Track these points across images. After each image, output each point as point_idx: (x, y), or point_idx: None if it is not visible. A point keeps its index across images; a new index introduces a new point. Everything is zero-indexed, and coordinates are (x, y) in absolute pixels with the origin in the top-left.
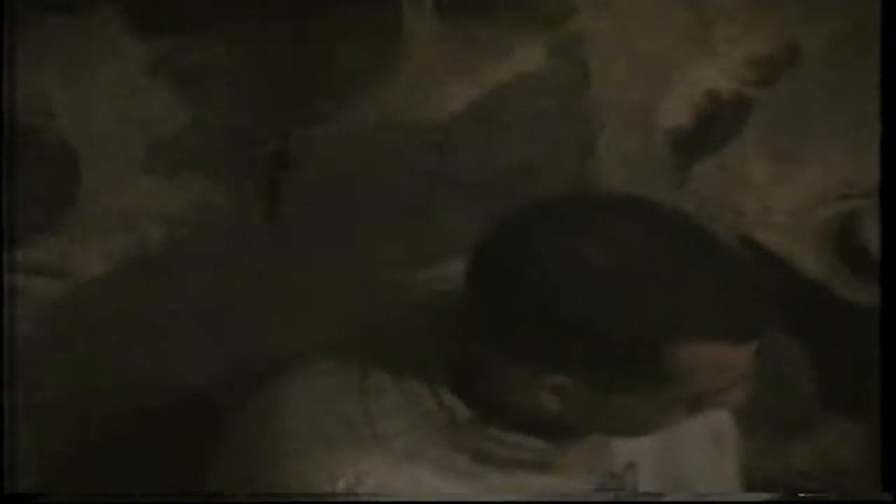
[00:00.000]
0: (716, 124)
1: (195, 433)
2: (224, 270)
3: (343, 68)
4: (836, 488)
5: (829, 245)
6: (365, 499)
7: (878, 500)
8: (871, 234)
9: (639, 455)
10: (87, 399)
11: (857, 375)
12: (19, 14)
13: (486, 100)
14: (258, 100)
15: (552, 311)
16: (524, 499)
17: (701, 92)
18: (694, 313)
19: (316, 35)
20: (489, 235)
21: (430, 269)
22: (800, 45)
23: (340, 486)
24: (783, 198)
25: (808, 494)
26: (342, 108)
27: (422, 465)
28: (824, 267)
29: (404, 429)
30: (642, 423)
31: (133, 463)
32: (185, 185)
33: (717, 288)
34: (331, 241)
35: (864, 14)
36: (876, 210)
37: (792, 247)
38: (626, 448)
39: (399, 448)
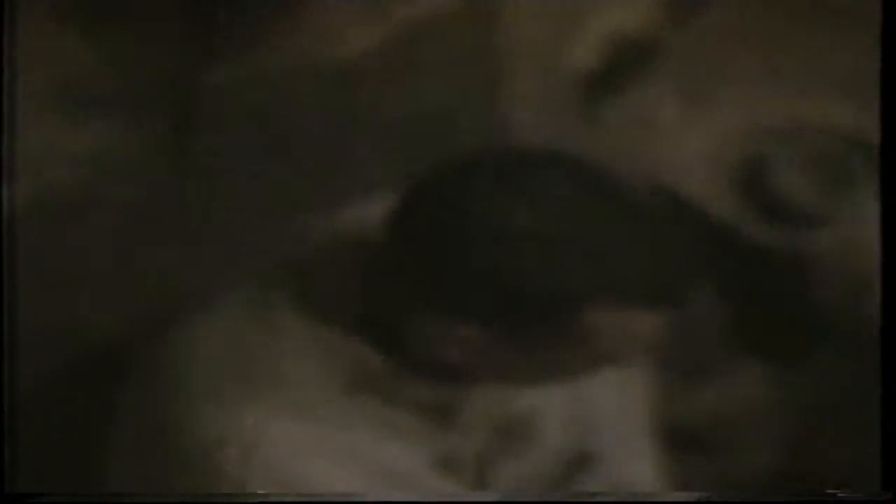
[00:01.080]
0: (626, 66)
1: (103, 377)
2: (131, 214)
3: (250, 7)
4: (744, 429)
5: (740, 188)
6: (358, 498)
7: (878, 500)
8: (781, 178)
9: (543, 398)
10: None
11: (766, 318)
12: None
13: (397, 39)
14: (166, 37)
15: (469, 265)
16: (429, 436)
17: (611, 33)
18: (610, 276)
19: None
20: (414, 187)
21: (342, 211)
22: None
23: (248, 423)
24: (693, 140)
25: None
26: (251, 47)
27: (328, 410)
28: (734, 210)
29: (310, 370)
30: (540, 377)
31: (39, 410)
32: (92, 127)
33: (637, 252)
34: (240, 182)
35: None
36: (787, 153)
37: (702, 189)
38: (532, 392)
39: (304, 388)
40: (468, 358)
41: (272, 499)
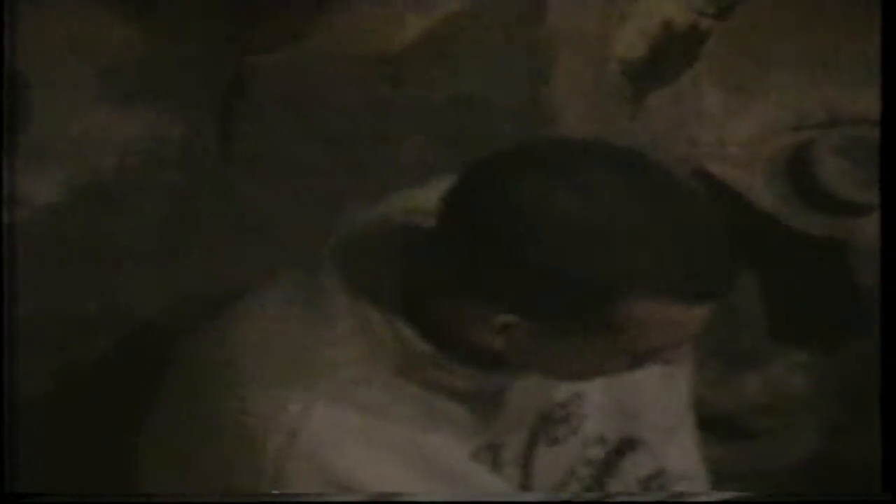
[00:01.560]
0: (670, 55)
1: (146, 362)
2: (176, 200)
3: (289, 12)
4: (786, 419)
5: (782, 176)
6: (359, 497)
7: (878, 500)
8: (823, 166)
9: (586, 386)
10: (38, 327)
11: (808, 306)
12: None
13: (440, 30)
14: (212, 28)
15: (517, 253)
16: (470, 424)
17: (656, 22)
18: (655, 270)
19: None
20: (466, 174)
21: (386, 199)
22: None
23: (292, 410)
24: (737, 129)
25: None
26: (296, 37)
27: (371, 392)
28: (776, 198)
29: (355, 356)
30: (582, 370)
31: (82, 394)
32: (137, 114)
33: (683, 247)
34: (284, 170)
35: None
36: (829, 141)
37: (745, 178)
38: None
39: (349, 375)
40: (511, 347)
41: (280, 499)
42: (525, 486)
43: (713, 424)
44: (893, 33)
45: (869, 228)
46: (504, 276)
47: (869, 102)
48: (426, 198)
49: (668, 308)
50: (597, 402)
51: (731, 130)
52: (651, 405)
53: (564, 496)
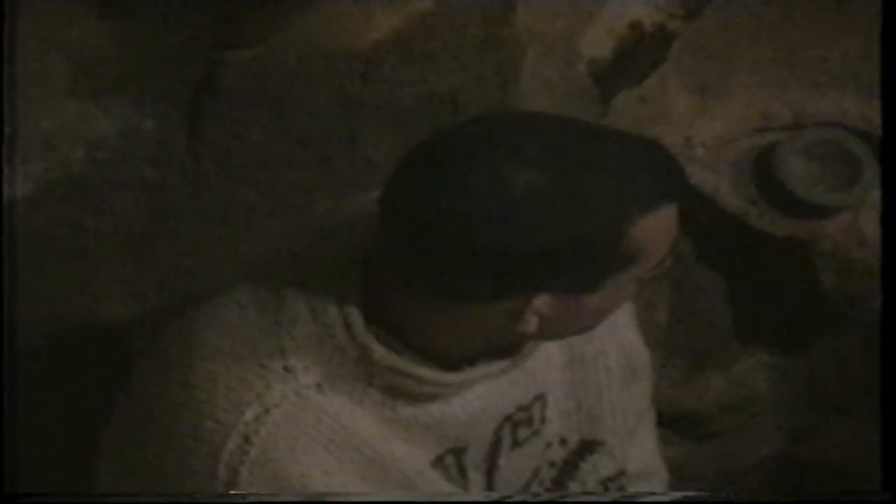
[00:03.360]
0: (638, 56)
1: (114, 355)
2: (147, 194)
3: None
4: (750, 419)
5: (747, 178)
6: (356, 499)
7: (879, 500)
8: (788, 167)
9: (548, 388)
10: (9, 316)
11: (771, 307)
12: None
13: (410, 28)
14: (183, 24)
15: (470, 241)
16: (432, 428)
17: (624, 23)
18: (633, 192)
19: None
20: (402, 167)
21: (353, 198)
22: None
23: (248, 415)
24: (703, 130)
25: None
26: (267, 34)
27: (331, 397)
28: (742, 199)
29: (315, 362)
30: (602, 315)
31: (49, 386)
32: (109, 109)
33: (642, 165)
34: (254, 166)
35: None
36: (794, 143)
37: (711, 179)
38: (535, 381)
39: (308, 380)
40: (544, 322)
41: (266, 499)
42: (489, 489)
43: (677, 423)
44: (893, 35)
45: (832, 230)
46: (463, 264)
47: (833, 105)
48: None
49: (659, 215)
50: (559, 405)
51: (697, 132)
52: (611, 408)
53: (524, 497)
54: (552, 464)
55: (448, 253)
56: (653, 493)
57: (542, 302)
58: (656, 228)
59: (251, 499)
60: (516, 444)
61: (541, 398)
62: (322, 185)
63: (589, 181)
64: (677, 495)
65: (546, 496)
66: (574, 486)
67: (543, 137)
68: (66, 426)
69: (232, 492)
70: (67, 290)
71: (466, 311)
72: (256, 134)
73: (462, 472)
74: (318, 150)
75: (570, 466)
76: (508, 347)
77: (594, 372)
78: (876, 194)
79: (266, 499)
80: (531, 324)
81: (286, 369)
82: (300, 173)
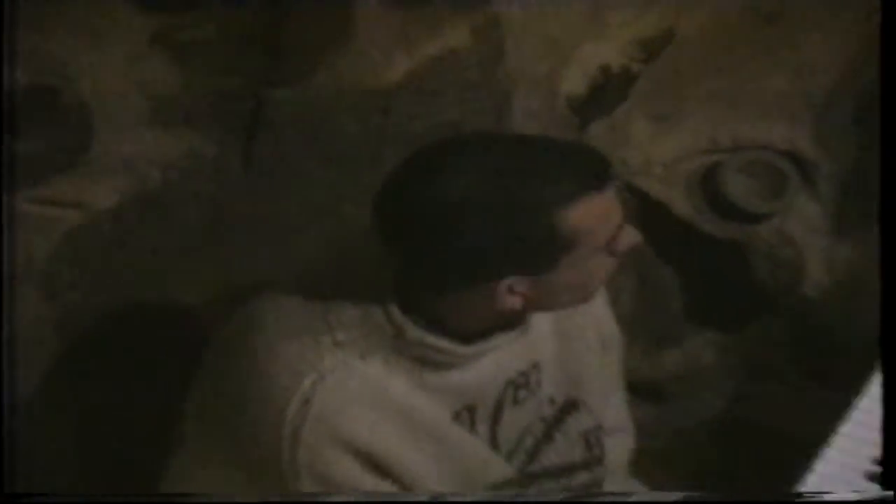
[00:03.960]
0: (607, 92)
1: (186, 343)
2: (209, 206)
3: (305, 43)
4: (698, 386)
5: (696, 191)
6: (363, 498)
7: (879, 500)
8: (729, 182)
9: (541, 358)
10: (95, 307)
11: (715, 295)
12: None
13: (421, 70)
14: (237, 66)
15: (443, 243)
16: (451, 391)
17: (595, 66)
18: (556, 189)
19: (284, 14)
20: (400, 169)
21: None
22: (676, 29)
23: (306, 382)
24: (659, 152)
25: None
26: (305, 75)
27: (372, 366)
28: (691, 208)
29: (358, 337)
30: (584, 288)
31: (131, 368)
32: (177, 137)
33: (571, 161)
34: (295, 181)
35: (728, 5)
36: (733, 163)
37: (666, 191)
38: (531, 352)
39: (354, 352)
40: (528, 302)
41: (271, 498)
42: (493, 439)
43: (640, 389)
44: (893, 42)
45: (764, 233)
46: (463, 253)
47: (765, 132)
48: None
49: (589, 202)
50: (549, 371)
51: (655, 153)
52: (590, 374)
53: (527, 498)
54: (543, 419)
55: (428, 254)
56: (650, 493)
57: (511, 283)
58: (588, 214)
59: (247, 499)
60: (516, 402)
61: (536, 366)
62: (349, 197)
63: (519, 185)
64: (678, 495)
65: (547, 496)
66: (559, 438)
67: (482, 153)
68: (145, 398)
69: (294, 448)
70: (145, 283)
71: (458, 297)
72: (296, 156)
73: (473, 424)
74: (347, 169)
75: (557, 421)
76: (512, 322)
77: (577, 345)
78: (799, 203)
79: (283, 499)
80: (511, 301)
81: (335, 344)
82: (332, 187)
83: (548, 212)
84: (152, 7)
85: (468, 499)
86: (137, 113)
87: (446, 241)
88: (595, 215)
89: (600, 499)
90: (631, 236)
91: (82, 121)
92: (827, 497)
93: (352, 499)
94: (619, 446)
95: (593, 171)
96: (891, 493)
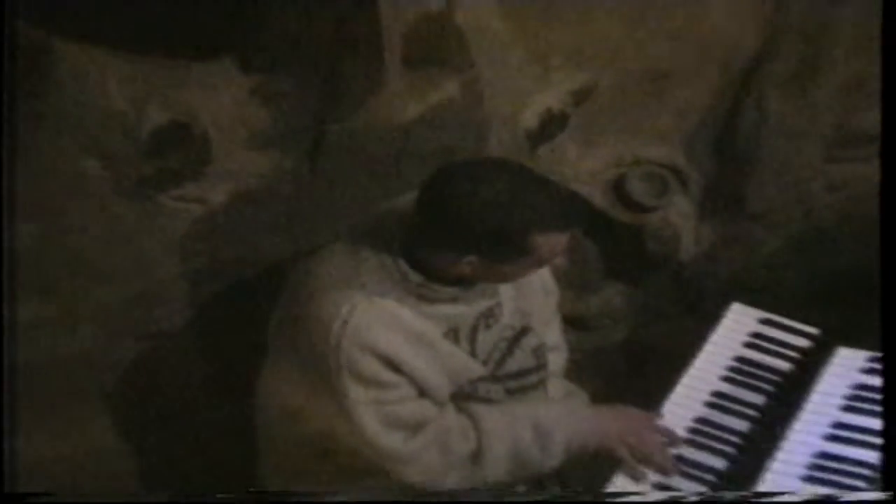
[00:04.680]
0: (551, 126)
1: (273, 285)
2: (286, 201)
3: (351, 92)
4: (611, 321)
5: (610, 191)
6: (367, 497)
7: (879, 500)
8: (632, 186)
9: (503, 298)
10: (215, 265)
11: (622, 260)
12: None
13: (428, 111)
14: (306, 108)
15: (468, 221)
16: (443, 317)
17: (543, 109)
18: (540, 217)
19: (338, 72)
20: (431, 180)
21: (398, 200)
22: (597, 84)
23: (343, 310)
24: (585, 167)
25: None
26: (351, 114)
27: (387, 300)
28: (608, 203)
29: (378, 281)
30: (514, 275)
31: (242, 303)
32: (268, 158)
33: (551, 202)
34: (344, 186)
35: (632, 66)
36: (635, 173)
37: (590, 192)
38: (496, 294)
39: (375, 291)
40: (475, 273)
41: (272, 498)
42: (472, 351)
43: (571, 321)
44: (893, 43)
45: (654, 219)
46: (463, 234)
47: (655, 153)
48: (411, 198)
49: (551, 235)
50: (508, 308)
51: (581, 168)
52: (536, 310)
53: (527, 498)
54: (506, 338)
55: (436, 231)
56: (642, 494)
57: (470, 260)
58: (549, 243)
59: (250, 498)
60: (487, 327)
61: (499, 304)
62: (378, 196)
63: (515, 205)
64: (664, 495)
65: (548, 495)
66: (517, 352)
67: (494, 173)
68: (248, 320)
69: (339, 354)
70: (246, 250)
71: (438, 258)
72: (345, 168)
73: (457, 341)
74: (378, 177)
75: (515, 340)
76: (483, 277)
77: (527, 291)
78: (676, 199)
79: (286, 499)
80: (466, 270)
81: (361, 286)
82: (367, 189)
83: (526, 230)
84: (251, 69)
85: (471, 499)
86: (240, 140)
87: (449, 226)
88: (552, 245)
89: (601, 499)
90: (561, 260)
91: (204, 146)
92: (822, 498)
93: (353, 499)
94: (557, 358)
95: (570, 212)
96: (891, 493)
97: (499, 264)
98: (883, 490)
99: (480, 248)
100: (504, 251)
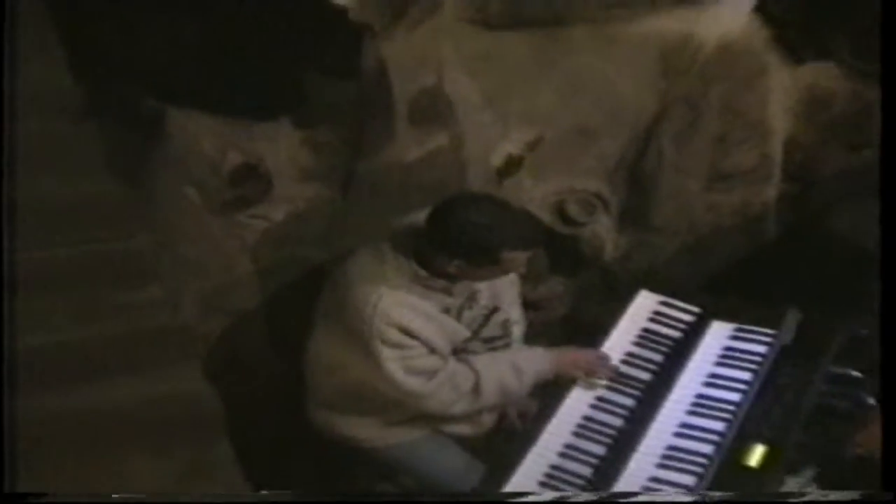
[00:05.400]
0: (512, 166)
1: (317, 282)
2: (325, 219)
3: (372, 142)
4: (555, 303)
5: (553, 212)
6: (372, 499)
7: (878, 500)
8: (569, 208)
9: (481, 287)
10: (277, 264)
11: (563, 261)
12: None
13: (425, 155)
14: (342, 153)
15: (460, 238)
16: (442, 302)
17: (506, 153)
18: (509, 238)
19: (362, 127)
20: (437, 207)
21: (407, 217)
22: (544, 135)
23: (373, 298)
24: (535, 194)
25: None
26: (371, 156)
27: (402, 291)
28: (554, 220)
29: (396, 276)
30: (485, 278)
31: (292, 295)
32: (313, 188)
33: (520, 229)
34: (367, 208)
35: (565, 124)
36: (573, 198)
37: (539, 212)
38: (477, 286)
39: (396, 284)
40: (458, 273)
41: (269, 498)
42: (459, 322)
43: (527, 303)
44: (893, 42)
45: (586, 232)
46: (454, 247)
47: (587, 185)
48: (421, 216)
49: (518, 253)
50: (484, 294)
51: (535, 195)
52: (504, 295)
53: (527, 499)
54: (482, 315)
55: (438, 241)
56: (636, 494)
57: (457, 263)
58: (514, 258)
59: (246, 499)
60: (469, 307)
61: (479, 291)
62: (390, 215)
63: (493, 229)
64: (663, 497)
65: (548, 495)
66: (491, 324)
67: (481, 204)
68: (301, 304)
69: (371, 329)
70: (299, 254)
71: (441, 261)
72: (367, 195)
73: (450, 315)
74: (389, 202)
75: (489, 315)
76: (464, 277)
77: (498, 282)
78: (601, 218)
79: (275, 499)
80: (454, 270)
81: (385, 279)
82: (382, 211)
83: (499, 249)
84: (301, 126)
85: (476, 499)
86: (293, 176)
87: (446, 239)
88: (517, 260)
89: (602, 499)
90: (523, 269)
91: (268, 180)
92: (823, 496)
93: (363, 499)
94: (517, 330)
95: (531, 237)
96: (891, 493)
97: (475, 269)
98: (883, 490)
99: (465, 256)
100: (481, 261)
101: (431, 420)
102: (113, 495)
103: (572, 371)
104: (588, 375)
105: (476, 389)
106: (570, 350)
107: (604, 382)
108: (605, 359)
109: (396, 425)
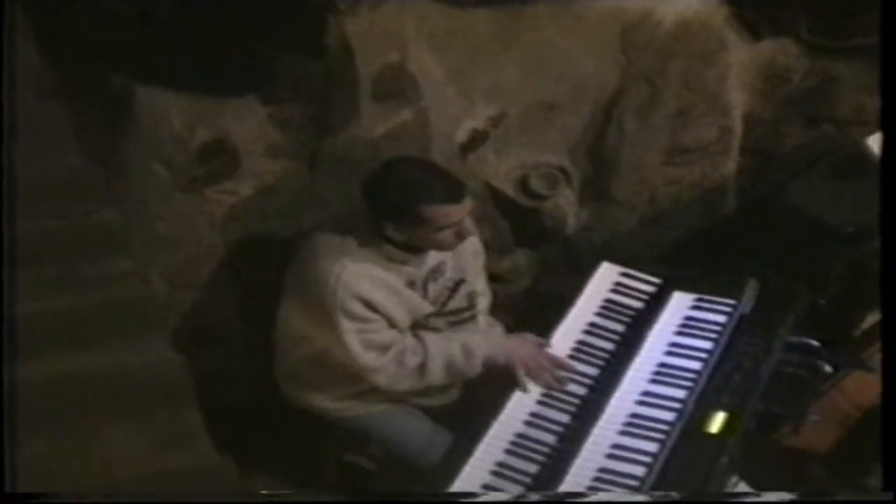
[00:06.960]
0: (477, 141)
1: (285, 255)
2: (292, 192)
3: (338, 118)
4: (519, 275)
5: (517, 187)
6: (374, 498)
7: (879, 500)
8: (532, 182)
9: (446, 258)
10: (245, 238)
11: (524, 235)
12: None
13: (390, 131)
14: (308, 130)
15: (382, 200)
16: (406, 274)
17: (471, 129)
18: (425, 192)
19: (329, 107)
20: (364, 177)
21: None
22: (508, 111)
23: (336, 269)
24: (500, 169)
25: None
26: (337, 132)
27: (366, 263)
28: (517, 194)
29: (359, 248)
30: (438, 244)
31: (255, 266)
32: (281, 163)
33: (432, 179)
34: (335, 184)
35: (529, 99)
36: (536, 173)
37: (503, 186)
38: (440, 257)
39: (360, 257)
40: (400, 236)
41: (269, 498)
42: (424, 296)
43: (492, 276)
44: (892, 40)
45: (548, 205)
46: (379, 210)
47: (549, 159)
48: None
49: (441, 207)
50: (449, 266)
51: (499, 170)
52: (469, 267)
53: (526, 498)
54: (448, 287)
55: (371, 210)
56: (586, 494)
57: (393, 227)
58: (440, 213)
59: (259, 499)
60: (434, 280)
61: (443, 262)
62: (356, 187)
63: (417, 185)
64: (658, 494)
65: (546, 495)
66: (456, 296)
67: (401, 165)
68: (266, 276)
69: (334, 298)
70: (265, 227)
71: (388, 229)
72: (333, 168)
73: (414, 288)
74: (355, 172)
75: (455, 288)
76: (418, 244)
77: (462, 254)
78: (563, 191)
79: (275, 499)
80: (399, 237)
81: (348, 252)
82: (350, 186)
83: (416, 203)
84: (268, 102)
85: (473, 499)
86: (260, 151)
87: (375, 203)
88: (445, 214)
89: (604, 499)
90: (469, 226)
91: (235, 155)
92: (824, 497)
93: (363, 499)
94: (483, 301)
95: (449, 190)
96: (891, 493)
97: (412, 231)
98: (883, 490)
99: (393, 219)
100: (408, 220)
101: (387, 393)
102: (112, 496)
103: (519, 368)
104: (533, 379)
105: (422, 368)
106: (527, 341)
107: (559, 373)
108: (560, 366)
109: (361, 396)
